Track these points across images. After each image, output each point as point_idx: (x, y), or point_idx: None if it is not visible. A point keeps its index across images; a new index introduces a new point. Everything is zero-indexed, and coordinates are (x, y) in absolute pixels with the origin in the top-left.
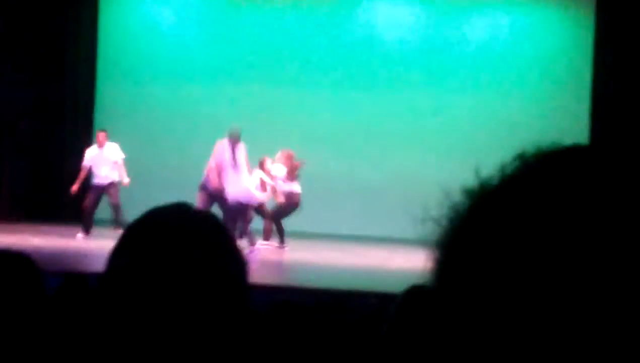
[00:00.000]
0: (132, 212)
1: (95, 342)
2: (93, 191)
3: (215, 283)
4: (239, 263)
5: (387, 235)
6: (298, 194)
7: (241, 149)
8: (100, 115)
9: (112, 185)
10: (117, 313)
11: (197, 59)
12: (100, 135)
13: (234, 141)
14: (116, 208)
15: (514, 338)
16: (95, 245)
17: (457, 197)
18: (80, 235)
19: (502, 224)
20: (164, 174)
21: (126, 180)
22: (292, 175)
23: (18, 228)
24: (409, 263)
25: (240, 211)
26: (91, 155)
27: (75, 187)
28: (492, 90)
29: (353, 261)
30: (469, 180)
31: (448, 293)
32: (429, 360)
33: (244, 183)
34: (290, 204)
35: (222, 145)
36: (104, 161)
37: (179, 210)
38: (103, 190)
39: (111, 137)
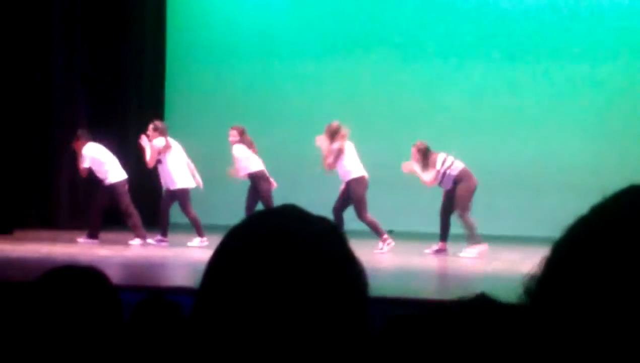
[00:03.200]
0: (211, 212)
1: None
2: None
3: (335, 298)
4: (358, 273)
5: (517, 234)
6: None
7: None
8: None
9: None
10: (217, 335)
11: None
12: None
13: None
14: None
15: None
16: (172, 254)
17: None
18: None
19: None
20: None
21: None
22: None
23: (78, 237)
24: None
25: None
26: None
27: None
28: None
29: (481, 266)
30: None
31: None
32: None
33: None
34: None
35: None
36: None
37: (289, 213)
38: None
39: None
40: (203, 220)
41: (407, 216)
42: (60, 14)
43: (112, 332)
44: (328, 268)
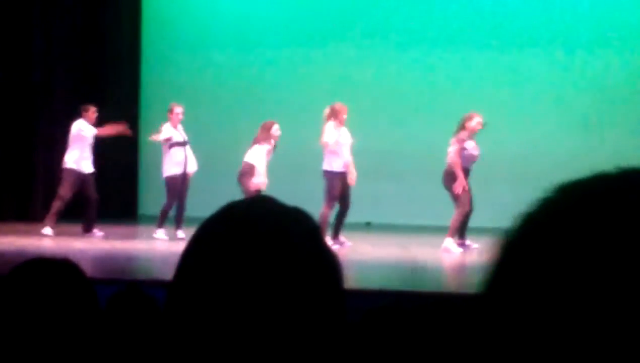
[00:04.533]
0: (198, 203)
1: (163, 359)
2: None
3: (310, 291)
4: (333, 266)
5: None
6: None
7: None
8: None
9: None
10: (190, 327)
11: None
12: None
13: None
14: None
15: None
16: (147, 247)
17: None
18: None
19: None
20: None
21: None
22: None
23: (57, 230)
24: None
25: None
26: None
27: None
28: None
29: (468, 257)
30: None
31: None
32: None
33: None
34: None
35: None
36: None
37: (263, 205)
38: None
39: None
40: (173, 212)
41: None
42: (40, 6)
43: (87, 324)
44: (300, 260)
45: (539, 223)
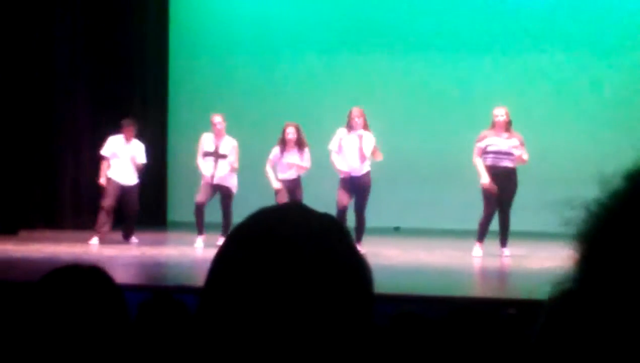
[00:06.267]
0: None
1: None
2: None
3: (340, 296)
4: (364, 270)
5: (524, 229)
6: None
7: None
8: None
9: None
10: (222, 333)
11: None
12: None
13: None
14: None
15: None
16: (175, 253)
17: (613, 182)
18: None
19: None
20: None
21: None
22: None
23: (84, 237)
24: (553, 262)
25: None
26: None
27: (102, 181)
28: None
29: (484, 262)
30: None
31: (593, 293)
32: None
33: None
34: None
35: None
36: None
37: (294, 211)
38: (122, 190)
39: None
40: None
41: (415, 212)
42: (62, 11)
43: (118, 331)
44: (332, 266)
45: (620, 214)
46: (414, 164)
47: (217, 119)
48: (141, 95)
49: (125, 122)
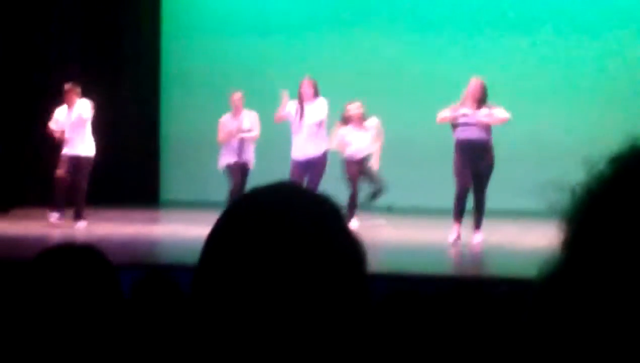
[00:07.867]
0: (213, 188)
1: (187, 345)
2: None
3: (334, 274)
4: (357, 249)
5: (515, 208)
6: None
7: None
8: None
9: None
10: (214, 313)
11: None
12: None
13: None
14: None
15: None
16: (168, 231)
17: (598, 166)
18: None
19: None
20: None
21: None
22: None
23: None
24: (544, 241)
25: None
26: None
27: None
28: None
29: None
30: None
31: (579, 274)
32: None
33: None
34: None
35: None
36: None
37: (287, 189)
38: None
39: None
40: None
41: (408, 191)
42: None
43: (111, 310)
44: (326, 243)
45: (605, 198)
46: (406, 142)
47: (238, 95)
48: (133, 72)
49: (65, 87)
